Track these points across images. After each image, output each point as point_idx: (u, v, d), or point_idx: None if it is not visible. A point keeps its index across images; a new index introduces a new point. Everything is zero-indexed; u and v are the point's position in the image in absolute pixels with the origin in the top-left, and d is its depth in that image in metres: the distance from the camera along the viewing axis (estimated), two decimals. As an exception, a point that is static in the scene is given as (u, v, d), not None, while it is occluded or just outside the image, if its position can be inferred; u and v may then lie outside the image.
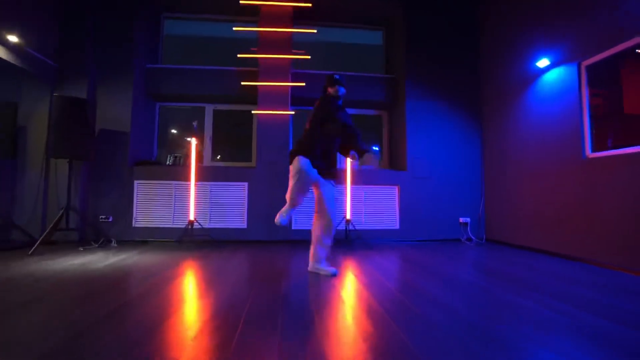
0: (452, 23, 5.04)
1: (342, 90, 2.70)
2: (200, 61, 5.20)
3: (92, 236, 4.17)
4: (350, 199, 4.46)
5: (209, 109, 5.21)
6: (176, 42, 5.42)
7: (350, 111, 5.45)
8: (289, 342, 1.45)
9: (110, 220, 4.31)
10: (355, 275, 2.74)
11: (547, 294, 2.20)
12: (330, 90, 2.69)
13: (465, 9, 5.07)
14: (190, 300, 2.06)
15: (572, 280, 2.57)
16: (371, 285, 2.43)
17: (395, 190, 4.80)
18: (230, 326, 1.61)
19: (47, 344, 1.40)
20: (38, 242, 3.42)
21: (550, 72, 3.69)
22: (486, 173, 4.87)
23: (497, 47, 4.63)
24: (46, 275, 2.57)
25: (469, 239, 4.72)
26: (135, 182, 4.44)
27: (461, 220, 4.79)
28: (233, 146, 5.34)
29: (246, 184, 4.54)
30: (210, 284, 2.42)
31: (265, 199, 4.48)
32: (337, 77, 2.69)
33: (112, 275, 2.62)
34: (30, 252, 3.33)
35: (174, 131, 5.47)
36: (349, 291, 2.31)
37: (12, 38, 3.69)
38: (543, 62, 3.69)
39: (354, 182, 4.58)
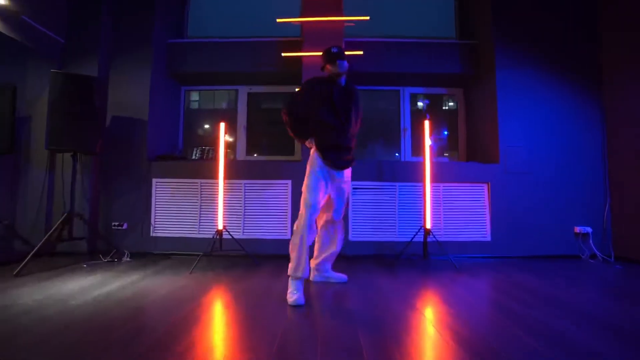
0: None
1: (345, 64, 2.21)
2: (232, 34, 4.31)
3: (104, 247, 3.38)
4: (430, 202, 3.32)
5: (243, 92, 4.30)
6: (204, 13, 4.57)
7: (417, 90, 4.36)
8: None
9: (124, 227, 3.51)
10: (452, 313, 1.64)
11: None
12: (330, 67, 2.20)
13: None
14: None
15: None
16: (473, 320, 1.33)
17: (483, 190, 3.60)
18: None
19: None
20: (25, 260, 2.63)
21: None
22: (612, 165, 3.55)
23: (633, -11, 3.30)
24: (14, 314, 1.73)
25: (593, 256, 3.42)
26: (154, 180, 3.61)
27: (577, 230, 3.50)
28: (272, 137, 4.40)
29: (289, 181, 3.55)
30: (253, 337, 1.43)
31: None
32: (335, 50, 2.19)
33: (95, 318, 1.72)
34: (15, 272, 2.55)
35: (207, 126, 4.63)
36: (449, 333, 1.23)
37: (8, 5, 2.97)
38: None
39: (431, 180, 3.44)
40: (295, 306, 1.93)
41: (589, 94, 3.66)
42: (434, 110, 4.44)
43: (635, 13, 3.29)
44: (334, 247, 2.44)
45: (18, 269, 2.57)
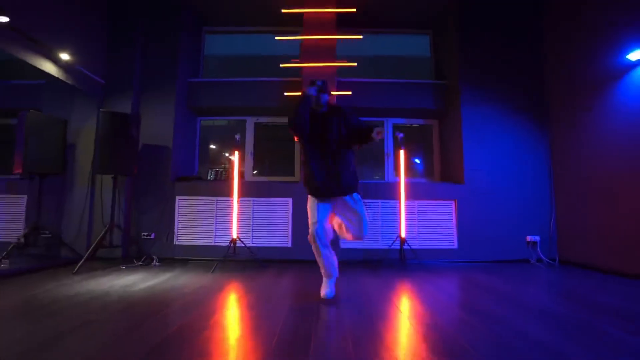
0: (511, 16, 4.59)
1: (325, 97, 2.48)
2: (241, 73, 5.10)
3: (135, 253, 4.05)
4: (405, 216, 4.06)
5: (250, 122, 5.06)
6: (217, 58, 5.37)
7: (398, 121, 5.14)
8: None
9: (152, 237, 4.20)
10: (420, 302, 2.34)
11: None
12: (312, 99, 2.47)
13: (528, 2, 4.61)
14: (241, 338, 1.77)
15: None
16: (437, 311, 2.02)
17: (451, 206, 4.35)
18: None
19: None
20: (82, 260, 3.32)
21: (646, 66, 3.16)
22: (557, 184, 4.31)
23: (571, 39, 4.13)
24: (89, 298, 2.41)
25: (539, 260, 4.15)
26: (177, 198, 4.32)
27: (529, 238, 4.23)
28: (275, 160, 5.14)
29: (290, 199, 4.28)
30: (261, 315, 2.12)
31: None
32: (319, 83, 2.45)
33: (154, 300, 2.41)
34: (74, 271, 3.23)
35: (212, 146, 5.38)
36: (417, 317, 1.93)
37: (64, 56, 3.73)
38: (636, 55, 3.17)
39: (406, 198, 4.18)
40: (326, 299, 2.45)
41: (538, 126, 4.45)
42: (415, 138, 5.21)
43: (568, 68, 4.11)
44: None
45: (76, 268, 3.26)
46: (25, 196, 4.29)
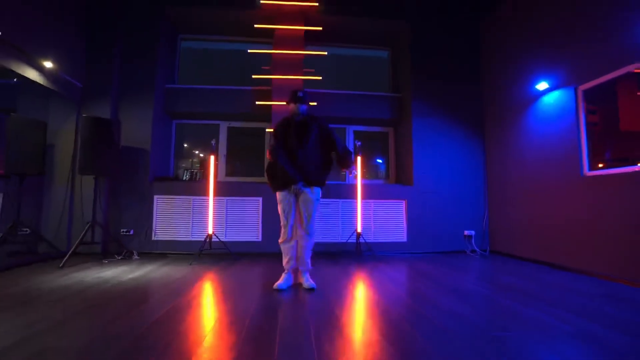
0: (456, 43, 5.31)
1: (304, 108, 2.87)
2: (216, 79, 5.47)
3: (114, 249, 4.35)
4: (361, 213, 4.66)
5: (224, 126, 5.45)
6: (192, 60, 5.69)
7: (358, 128, 5.73)
8: (324, 345, 1.65)
9: (131, 233, 4.51)
10: (369, 286, 2.94)
11: (548, 302, 2.40)
12: (292, 107, 2.87)
13: (469, 31, 5.35)
14: (219, 318, 2.25)
15: (575, 291, 2.76)
16: (385, 295, 2.62)
17: (402, 205, 5.01)
18: (261, 337, 1.81)
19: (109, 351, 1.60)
20: (68, 255, 3.62)
21: (550, 95, 3.94)
22: (489, 187, 5.09)
23: (499, 69, 4.90)
24: (85, 287, 2.77)
25: (473, 251, 4.91)
26: (155, 197, 4.65)
27: (466, 233, 4.98)
28: (246, 161, 5.57)
29: (260, 198, 4.75)
30: (236, 299, 2.61)
31: (277, 214, 4.67)
32: (300, 94, 2.83)
33: (143, 288, 2.82)
34: (61, 265, 3.53)
35: (185, 145, 5.71)
36: (366, 299, 2.50)
37: (47, 63, 3.94)
38: (542, 85, 3.94)
39: (363, 197, 4.78)
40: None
41: (476, 136, 5.20)
42: (376, 142, 5.83)
43: (496, 92, 4.88)
44: None
45: (62, 262, 3.55)
46: (1, 195, 4.44)
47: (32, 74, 3.84)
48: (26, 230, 4.23)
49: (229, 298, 2.62)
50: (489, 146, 5.13)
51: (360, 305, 2.44)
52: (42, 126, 4.21)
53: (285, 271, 2.93)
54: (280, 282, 2.86)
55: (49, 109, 4.55)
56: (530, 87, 4.20)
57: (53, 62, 4.02)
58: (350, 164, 2.92)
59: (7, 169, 3.84)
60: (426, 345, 1.70)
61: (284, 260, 2.94)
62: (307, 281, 2.88)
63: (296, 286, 2.94)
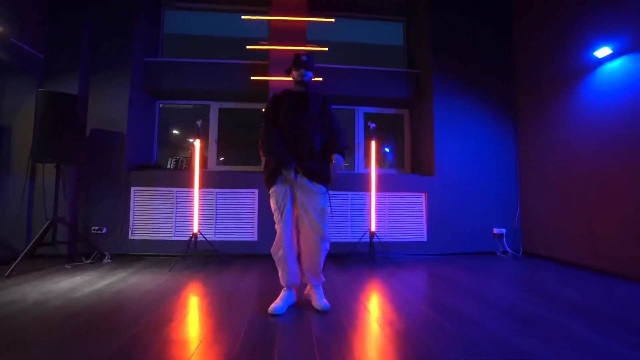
0: (484, 7, 4.54)
1: (309, 75, 2.24)
2: (205, 53, 4.73)
3: (85, 249, 3.68)
4: (375, 209, 3.96)
5: (215, 107, 4.73)
6: (178, 36, 4.94)
7: (369, 110, 4.99)
8: None
9: (104, 231, 3.84)
10: (387, 301, 2.25)
11: (601, 318, 1.72)
12: (294, 73, 2.24)
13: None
14: (198, 352, 1.57)
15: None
16: (409, 314, 1.93)
17: (422, 198, 4.30)
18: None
19: None
20: (16, 262, 2.93)
21: (612, 62, 3.18)
22: (522, 177, 4.37)
23: (538, 36, 4.13)
24: (22, 308, 2.10)
25: (505, 252, 4.22)
26: (132, 188, 3.96)
27: (495, 231, 4.28)
28: (240, 148, 4.86)
29: (256, 190, 4.05)
30: (221, 321, 1.93)
31: (277, 208, 3.99)
32: (304, 58, 2.21)
33: (99, 308, 2.14)
34: (7, 274, 2.85)
35: (175, 132, 5.00)
36: (385, 321, 1.82)
37: (-8, 25, 3.23)
38: (603, 52, 3.19)
39: (376, 189, 4.07)
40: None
41: (507, 120, 4.47)
42: (386, 128, 5.11)
43: (536, 62, 4.12)
44: None
45: (9, 271, 2.87)
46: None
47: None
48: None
49: (213, 319, 1.95)
50: (523, 129, 4.39)
51: (376, 330, 1.75)
52: (-7, 103, 3.50)
53: (285, 288, 2.23)
54: (277, 303, 2.12)
55: (4, 86, 3.83)
56: (585, 54, 3.45)
57: (4, 25, 3.30)
58: (340, 148, 2.17)
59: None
60: None
61: (280, 274, 2.22)
62: (320, 300, 2.17)
63: (298, 305, 2.26)
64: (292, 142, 2.13)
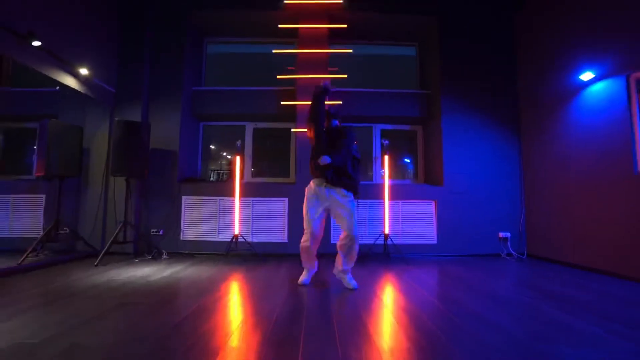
0: (488, 36, 5.06)
1: (335, 122, 3.06)
2: (241, 81, 5.52)
3: (145, 248, 4.47)
4: (389, 214, 4.52)
5: (249, 127, 5.49)
6: (219, 63, 5.78)
7: (386, 127, 5.59)
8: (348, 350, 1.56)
9: (161, 233, 4.62)
10: (398, 291, 2.81)
11: (597, 313, 2.18)
12: (326, 123, 3.00)
13: (502, 22, 5.08)
14: (245, 318, 2.21)
15: (625, 301, 2.51)
16: (416, 301, 2.49)
17: (432, 205, 4.81)
18: (291, 335, 1.75)
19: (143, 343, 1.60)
20: (102, 254, 3.75)
21: (595, 85, 3.64)
22: (526, 187, 4.80)
23: (536, 60, 4.61)
24: (118, 285, 2.84)
25: (509, 255, 4.63)
26: (183, 197, 4.74)
27: (501, 235, 4.72)
28: (271, 163, 5.58)
29: (286, 199, 4.73)
30: (260, 300, 2.57)
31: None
32: (332, 111, 3.05)
33: (173, 286, 2.85)
34: (95, 264, 3.66)
35: (212, 147, 5.79)
36: (394, 304, 2.39)
37: (83, 71, 4.11)
38: (587, 75, 3.65)
39: (391, 197, 4.64)
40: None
41: (510, 134, 4.92)
42: (404, 141, 5.67)
43: (537, 81, 4.59)
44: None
45: (97, 261, 3.68)
46: (44, 196, 4.69)
47: (69, 81, 4.03)
48: (65, 230, 4.43)
49: (254, 299, 2.59)
50: (525, 143, 4.83)
51: (388, 311, 2.32)
52: (79, 130, 4.40)
53: (306, 269, 3.08)
54: (304, 277, 3.07)
55: (85, 115, 4.75)
56: (572, 77, 3.91)
57: (88, 68, 4.19)
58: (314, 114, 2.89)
59: (48, 171, 4.03)
60: (461, 355, 1.57)
61: (304, 259, 3.02)
62: (350, 281, 2.93)
63: (323, 286, 2.87)
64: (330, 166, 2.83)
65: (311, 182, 2.96)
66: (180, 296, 2.58)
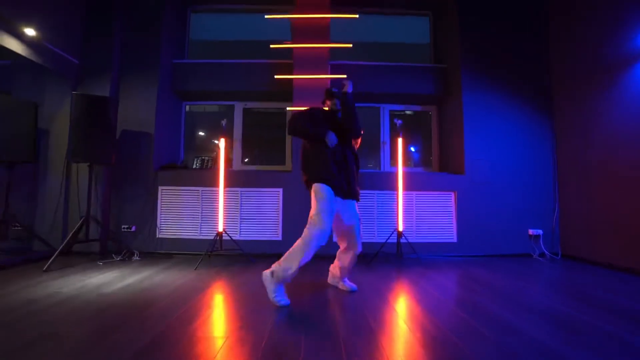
0: None
1: (337, 104, 2.60)
2: (230, 53, 4.78)
3: (114, 247, 3.79)
4: (403, 208, 3.83)
5: (239, 107, 4.77)
6: (204, 38, 5.02)
7: (395, 107, 4.87)
8: None
9: (133, 230, 3.94)
10: (416, 303, 2.13)
11: None
12: (329, 103, 2.61)
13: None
14: (225, 349, 1.54)
15: None
16: (436, 314, 1.82)
17: (451, 197, 4.13)
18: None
19: None
20: (53, 257, 3.05)
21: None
22: (560, 176, 4.11)
23: (573, 24, 3.88)
24: (55, 302, 2.16)
25: (542, 255, 3.97)
26: (160, 188, 4.04)
27: (531, 232, 4.04)
28: (265, 148, 4.87)
29: (280, 190, 4.03)
30: (248, 319, 1.90)
31: (303, 207, 3.94)
32: (335, 90, 2.61)
33: (129, 303, 2.17)
34: (44, 269, 2.97)
35: (201, 134, 5.08)
36: (414, 323, 1.72)
37: (30, 31, 3.38)
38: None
39: (403, 188, 3.94)
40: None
41: (541, 115, 4.22)
42: (411, 126, 4.96)
43: (577, 50, 3.86)
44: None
45: (47, 265, 2.99)
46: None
47: (16, 47, 3.30)
48: (18, 226, 3.73)
49: (239, 316, 1.92)
50: (560, 124, 4.13)
51: (405, 333, 1.65)
52: (32, 107, 3.67)
53: (283, 285, 2.28)
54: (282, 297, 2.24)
55: (44, 92, 4.03)
56: (629, 41, 3.18)
57: (43, 33, 3.46)
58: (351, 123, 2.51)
59: (-10, 156, 3.33)
60: None
61: (291, 272, 2.24)
62: (347, 283, 2.61)
63: (323, 299, 2.19)
64: (342, 165, 2.43)
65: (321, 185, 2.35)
66: (133, 320, 1.90)
